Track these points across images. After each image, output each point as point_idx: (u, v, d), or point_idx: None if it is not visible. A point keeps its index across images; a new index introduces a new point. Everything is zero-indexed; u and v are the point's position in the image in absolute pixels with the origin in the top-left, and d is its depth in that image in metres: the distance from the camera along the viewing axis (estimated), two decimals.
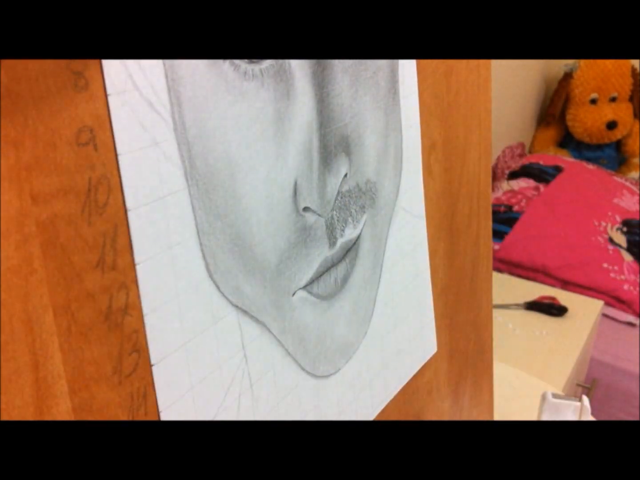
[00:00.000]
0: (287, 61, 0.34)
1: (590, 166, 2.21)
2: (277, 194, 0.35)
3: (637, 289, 1.63)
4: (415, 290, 0.50)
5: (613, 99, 2.39)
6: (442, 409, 0.61)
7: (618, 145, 2.50)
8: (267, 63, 0.33)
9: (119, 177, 0.27)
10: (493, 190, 2.07)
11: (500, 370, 0.99)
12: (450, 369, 0.61)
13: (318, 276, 0.39)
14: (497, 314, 1.40)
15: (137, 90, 0.27)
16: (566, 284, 1.67)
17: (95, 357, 0.27)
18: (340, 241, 0.40)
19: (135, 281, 0.28)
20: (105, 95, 0.26)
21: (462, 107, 0.57)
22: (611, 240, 1.77)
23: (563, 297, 1.52)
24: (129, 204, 0.27)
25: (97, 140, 0.26)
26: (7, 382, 0.24)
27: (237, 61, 0.31)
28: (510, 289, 1.53)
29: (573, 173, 2.10)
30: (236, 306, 0.33)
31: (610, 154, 2.49)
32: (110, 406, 0.28)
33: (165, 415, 0.30)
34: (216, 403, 0.33)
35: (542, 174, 2.09)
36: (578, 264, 1.69)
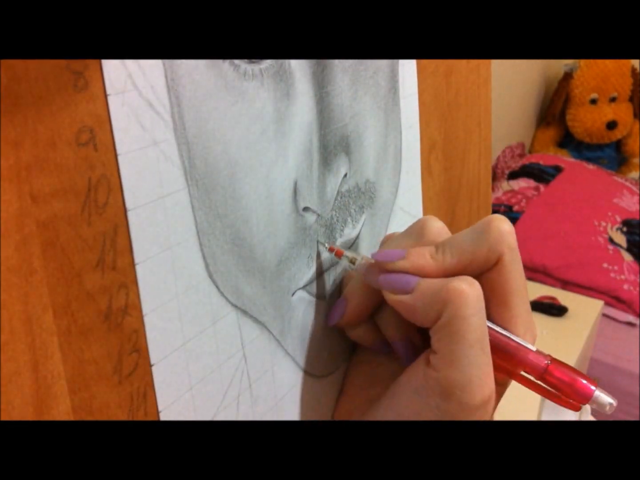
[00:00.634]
0: (287, 61, 0.34)
1: (590, 166, 2.21)
2: (277, 194, 0.35)
3: (637, 289, 1.63)
4: None
5: (613, 99, 2.39)
6: None
7: (618, 145, 2.50)
8: (267, 63, 0.33)
9: (119, 177, 0.27)
10: (493, 190, 2.07)
11: None
12: None
13: (317, 276, 0.39)
14: None
15: (137, 91, 0.27)
16: (566, 284, 1.67)
17: (95, 357, 0.27)
18: (339, 241, 0.40)
19: (135, 281, 0.28)
20: (105, 96, 0.26)
21: (462, 107, 0.57)
22: (611, 240, 1.77)
23: (563, 297, 1.52)
24: (129, 204, 0.27)
25: (96, 140, 0.26)
26: (6, 382, 0.24)
27: (236, 61, 0.31)
28: None
29: (573, 173, 2.10)
30: (236, 306, 0.33)
31: (610, 154, 2.49)
32: (110, 406, 0.28)
33: (165, 415, 0.30)
34: (215, 403, 0.33)
35: (542, 174, 2.09)
36: (578, 264, 1.69)
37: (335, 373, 0.42)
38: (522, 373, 0.35)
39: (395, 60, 0.44)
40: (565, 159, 2.24)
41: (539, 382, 0.35)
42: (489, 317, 0.34)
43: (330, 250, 0.38)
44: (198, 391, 0.32)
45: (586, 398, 0.34)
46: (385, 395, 0.36)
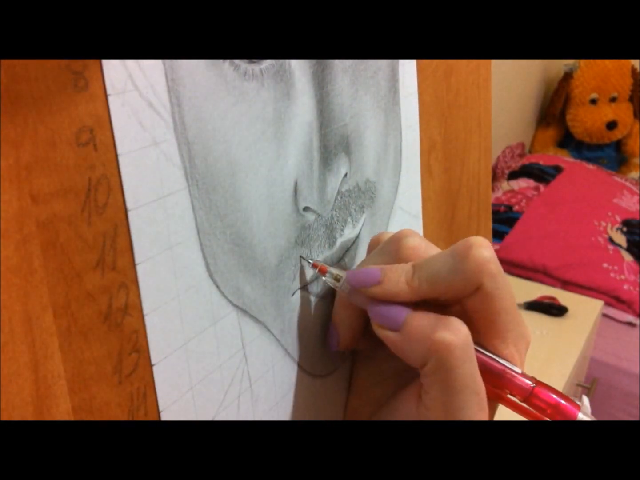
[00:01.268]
0: (287, 61, 0.34)
1: (590, 166, 2.21)
2: (277, 194, 0.35)
3: (637, 289, 1.63)
4: None
5: (613, 99, 2.39)
6: None
7: (618, 145, 2.50)
8: (267, 63, 0.33)
9: (119, 177, 0.27)
10: (493, 190, 2.07)
11: None
12: None
13: (318, 276, 0.39)
14: None
15: (137, 91, 0.27)
16: (566, 284, 1.67)
17: (95, 357, 0.27)
18: (339, 241, 0.40)
19: (135, 281, 0.28)
20: (105, 96, 0.26)
21: (462, 107, 0.57)
22: (611, 240, 1.77)
23: (563, 297, 1.52)
24: (129, 204, 0.27)
25: (97, 140, 0.26)
26: (6, 382, 0.24)
27: (237, 61, 0.31)
28: None
29: (573, 173, 2.10)
30: (236, 306, 0.33)
31: (610, 154, 2.49)
32: (110, 406, 0.28)
33: (165, 415, 0.30)
34: (216, 402, 0.33)
35: (542, 174, 2.09)
36: (578, 264, 1.69)
37: (336, 373, 0.42)
38: (509, 396, 0.35)
39: (395, 60, 0.44)
40: (565, 159, 2.24)
41: (524, 404, 0.35)
42: (476, 338, 0.34)
43: (314, 267, 0.37)
44: (199, 391, 0.32)
45: (570, 419, 0.34)
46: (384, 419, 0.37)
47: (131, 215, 0.27)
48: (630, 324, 1.58)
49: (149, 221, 0.28)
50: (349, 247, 0.42)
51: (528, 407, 0.35)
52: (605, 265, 1.66)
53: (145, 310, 0.28)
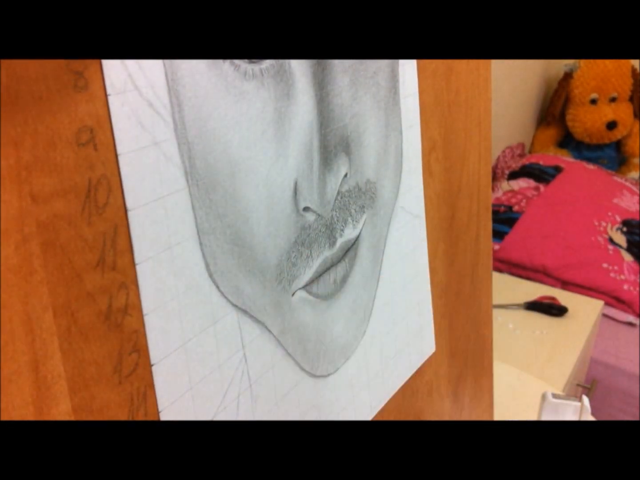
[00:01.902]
0: (287, 61, 0.34)
1: (590, 166, 2.20)
2: (277, 194, 0.35)
3: (637, 289, 1.63)
4: (415, 290, 0.50)
5: (613, 99, 2.39)
6: (442, 409, 0.61)
7: (618, 145, 2.50)
8: (267, 63, 0.33)
9: (119, 177, 0.27)
10: (493, 190, 2.07)
11: (501, 371, 0.99)
12: (451, 369, 0.61)
13: (317, 276, 0.39)
14: (497, 314, 1.40)
15: (137, 91, 0.27)
16: (566, 284, 1.67)
17: (95, 357, 0.27)
18: (339, 241, 0.40)
19: (135, 281, 0.28)
20: (105, 95, 0.26)
21: (462, 107, 0.57)
22: (611, 240, 1.77)
23: (563, 297, 1.52)
24: (129, 204, 0.27)
25: (97, 140, 0.26)
26: (7, 382, 0.24)
27: (237, 61, 0.31)
28: (510, 289, 1.53)
29: (573, 173, 2.10)
30: (236, 306, 0.33)
31: (610, 154, 2.49)
32: (110, 406, 0.28)
33: (165, 415, 0.30)
34: (215, 402, 0.33)
35: (542, 174, 2.09)
36: (578, 264, 1.69)
37: (336, 373, 0.42)
38: None
39: (395, 61, 0.44)
40: (565, 159, 2.24)
41: None
42: None
43: None
44: (198, 391, 0.32)
45: None
46: None
47: (131, 215, 0.27)
48: (631, 324, 1.58)
49: (149, 221, 0.28)
50: (350, 248, 0.42)
51: None
52: (605, 265, 1.66)
53: (145, 310, 0.28)
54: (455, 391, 0.64)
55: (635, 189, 2.09)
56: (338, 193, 0.40)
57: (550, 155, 2.30)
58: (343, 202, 0.40)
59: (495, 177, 2.16)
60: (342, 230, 0.41)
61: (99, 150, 0.26)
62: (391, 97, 0.44)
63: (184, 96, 0.29)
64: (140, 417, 0.29)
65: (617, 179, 2.16)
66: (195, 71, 0.29)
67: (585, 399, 0.72)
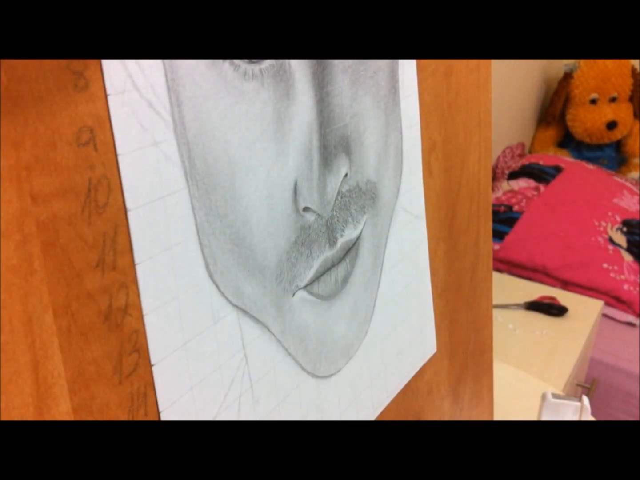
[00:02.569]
0: (287, 61, 0.34)
1: (590, 166, 2.20)
2: (277, 194, 0.35)
3: (637, 289, 1.63)
4: (416, 291, 0.50)
5: (613, 99, 2.39)
6: (442, 408, 0.61)
7: (618, 145, 2.50)
8: (267, 63, 0.33)
9: (119, 177, 0.27)
10: (493, 190, 2.07)
11: (501, 371, 0.99)
12: (451, 369, 0.61)
13: (318, 276, 0.39)
14: (497, 314, 1.40)
15: (137, 91, 0.27)
16: (566, 284, 1.67)
17: (95, 357, 0.27)
18: (340, 241, 0.40)
19: (135, 281, 0.28)
20: (105, 96, 0.26)
21: (462, 107, 0.57)
22: (611, 240, 1.77)
23: (563, 297, 1.52)
24: (129, 204, 0.27)
25: (97, 140, 0.26)
26: (7, 382, 0.24)
27: (236, 61, 0.31)
28: (510, 289, 1.53)
29: (573, 173, 2.10)
30: (236, 306, 0.33)
31: (610, 154, 2.49)
32: (110, 406, 0.28)
33: (166, 415, 0.30)
34: (216, 403, 0.33)
35: (542, 174, 2.09)
36: (578, 264, 1.69)
37: (338, 374, 0.42)
38: None
39: (395, 61, 0.44)
40: (565, 159, 2.24)
41: None
42: None
43: None
44: (199, 391, 0.32)
45: None
46: None
47: (131, 215, 0.27)
48: (630, 324, 1.58)
49: (149, 221, 0.28)
50: (350, 248, 0.42)
51: None
52: (605, 265, 1.66)
53: (145, 310, 0.28)
54: (455, 391, 0.64)
55: (635, 189, 2.09)
56: (338, 193, 0.40)
57: (550, 155, 2.30)
58: (343, 202, 0.40)
59: (495, 177, 2.16)
60: (343, 230, 0.41)
61: (99, 150, 0.26)
62: (391, 97, 0.44)
63: (183, 96, 0.29)
64: (140, 417, 0.29)
65: (617, 179, 2.16)
66: (195, 71, 0.29)
67: (585, 399, 0.72)
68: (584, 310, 1.49)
